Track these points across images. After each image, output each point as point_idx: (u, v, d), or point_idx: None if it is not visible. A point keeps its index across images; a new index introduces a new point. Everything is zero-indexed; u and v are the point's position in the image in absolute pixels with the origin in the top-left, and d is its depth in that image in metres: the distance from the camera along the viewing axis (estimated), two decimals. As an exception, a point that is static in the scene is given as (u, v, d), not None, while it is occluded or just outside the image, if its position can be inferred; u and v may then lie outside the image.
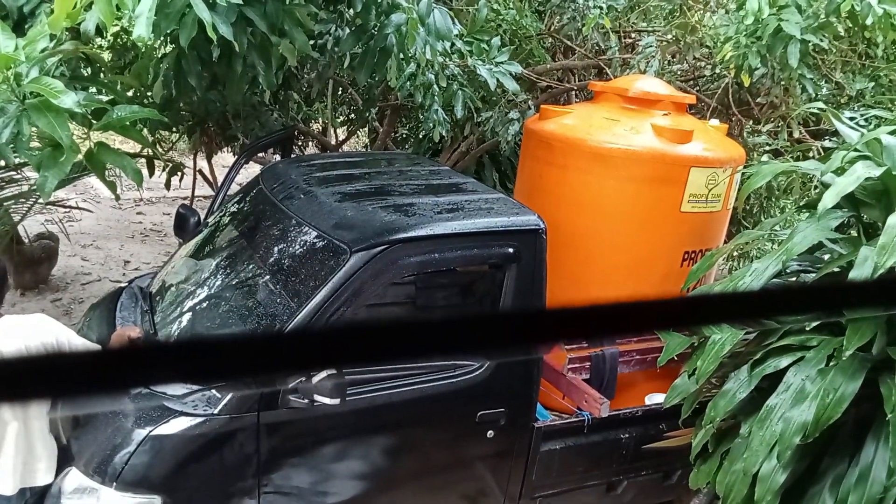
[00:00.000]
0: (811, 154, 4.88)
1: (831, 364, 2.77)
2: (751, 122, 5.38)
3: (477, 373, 3.22)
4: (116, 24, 2.77)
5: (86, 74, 3.95)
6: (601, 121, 4.11)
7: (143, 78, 3.76)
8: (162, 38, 2.90)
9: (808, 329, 2.82)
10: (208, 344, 0.34)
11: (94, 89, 2.85)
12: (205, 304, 3.53)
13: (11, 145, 2.50)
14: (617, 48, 5.48)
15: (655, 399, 3.91)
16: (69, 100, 2.00)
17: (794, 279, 3.24)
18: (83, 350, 0.32)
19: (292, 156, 5.07)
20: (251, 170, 6.79)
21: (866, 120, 3.80)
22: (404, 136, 7.12)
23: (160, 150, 5.96)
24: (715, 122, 4.56)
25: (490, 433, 3.32)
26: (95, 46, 4.08)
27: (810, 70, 4.20)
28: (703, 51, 5.23)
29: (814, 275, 3.09)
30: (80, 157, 2.27)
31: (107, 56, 4.70)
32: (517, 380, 3.37)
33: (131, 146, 5.83)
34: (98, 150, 2.34)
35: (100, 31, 2.45)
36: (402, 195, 3.52)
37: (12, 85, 2.05)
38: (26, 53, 2.04)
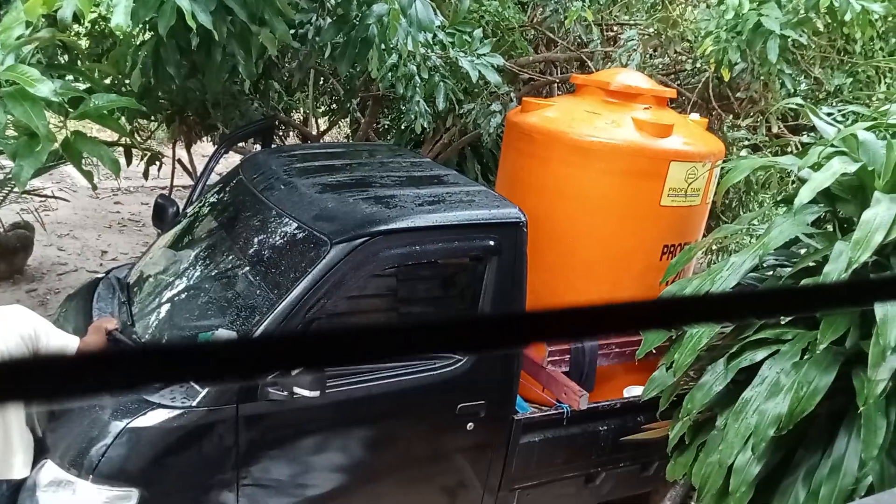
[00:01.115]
0: (790, 149, 4.92)
1: (805, 357, 2.81)
2: (730, 117, 5.43)
3: (457, 366, 3.23)
4: (94, 11, 2.73)
5: (62, 62, 3.89)
6: (583, 114, 4.12)
7: (120, 66, 3.70)
8: (140, 26, 2.86)
9: (783, 323, 2.86)
10: (184, 349, 0.34)
11: (70, 77, 2.80)
12: (183, 296, 3.50)
13: (-15, 133, 2.45)
14: (599, 41, 5.49)
15: (634, 391, 3.94)
16: (45, 88, 1.97)
17: (770, 273, 3.29)
18: (56, 355, 0.31)
19: (273, 146, 5.03)
20: (231, 160, 6.72)
21: (844, 116, 3.85)
22: (386, 126, 7.09)
23: (138, 139, 5.88)
24: (695, 116, 4.59)
25: (470, 425, 3.34)
26: (72, 34, 4.02)
27: (789, 65, 4.24)
28: (684, 45, 5.26)
29: (790, 269, 3.13)
30: (56, 146, 2.24)
31: (84, 43, 4.62)
32: (497, 372, 3.39)
33: (108, 135, 5.74)
34: (74, 140, 2.30)
35: (77, 18, 2.41)
36: (383, 187, 3.51)
37: (-14, 72, 2.01)
38: (1, 41, 2.00)
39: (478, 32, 4.28)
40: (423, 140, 5.95)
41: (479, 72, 4.11)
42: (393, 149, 4.98)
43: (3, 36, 2.03)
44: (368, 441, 3.24)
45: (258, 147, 5.54)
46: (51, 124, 2.34)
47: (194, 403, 2.85)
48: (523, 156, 4.28)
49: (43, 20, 2.46)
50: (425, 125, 4.41)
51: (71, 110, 2.30)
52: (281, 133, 7.06)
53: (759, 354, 2.94)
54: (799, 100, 3.52)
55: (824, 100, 5.05)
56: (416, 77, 4.03)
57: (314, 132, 7.43)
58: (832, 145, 2.96)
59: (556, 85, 6.15)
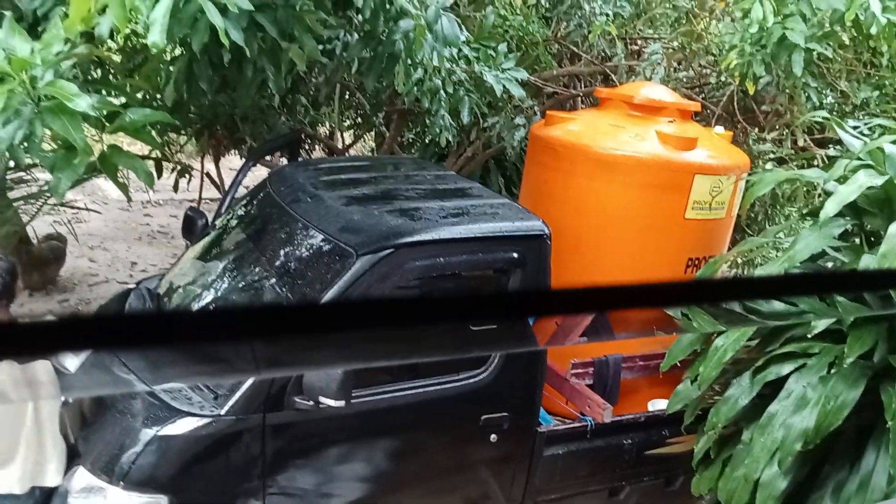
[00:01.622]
0: (816, 162, 4.89)
1: (832, 371, 2.79)
2: (756, 130, 5.41)
3: (481, 377, 3.25)
4: (126, 27, 2.81)
5: (96, 77, 3.99)
6: (606, 127, 4.14)
7: (152, 80, 3.80)
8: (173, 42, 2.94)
9: (809, 336, 2.84)
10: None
11: (104, 92, 2.89)
12: (212, 307, 3.56)
13: (24, 146, 2.53)
14: (623, 55, 5.51)
15: (658, 405, 3.92)
16: (84, 103, 2.04)
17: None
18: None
19: (299, 159, 5.11)
20: (258, 173, 6.82)
21: (870, 129, 3.82)
22: (410, 140, 7.16)
23: (168, 152, 6.00)
24: (720, 129, 4.59)
25: (493, 437, 3.34)
26: (105, 49, 4.13)
27: (814, 78, 4.22)
28: (708, 58, 5.26)
29: (816, 282, 3.11)
30: (93, 158, 2.31)
31: (116, 58, 4.74)
32: (521, 384, 3.39)
33: (138, 148, 5.88)
34: (111, 153, 2.37)
35: (111, 34, 2.49)
36: (407, 199, 3.55)
37: (28, 88, 2.09)
38: (42, 57, 2.08)
39: (502, 47, 4.32)
40: (447, 153, 6.00)
41: (504, 86, 4.15)
42: (418, 162, 5.03)
43: (43, 52, 2.11)
44: (393, 451, 3.26)
45: (285, 160, 5.62)
46: (87, 138, 2.42)
47: (223, 412, 2.90)
48: (547, 169, 4.30)
49: (80, 37, 2.55)
50: (450, 138, 4.45)
51: (107, 124, 2.38)
52: (307, 146, 7.16)
53: (786, 368, 2.92)
54: (824, 113, 3.51)
55: (851, 113, 5.02)
56: (442, 91, 4.08)
57: (339, 145, 7.52)
58: (858, 158, 2.94)
59: (579, 98, 6.17)
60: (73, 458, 2.98)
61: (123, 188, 2.65)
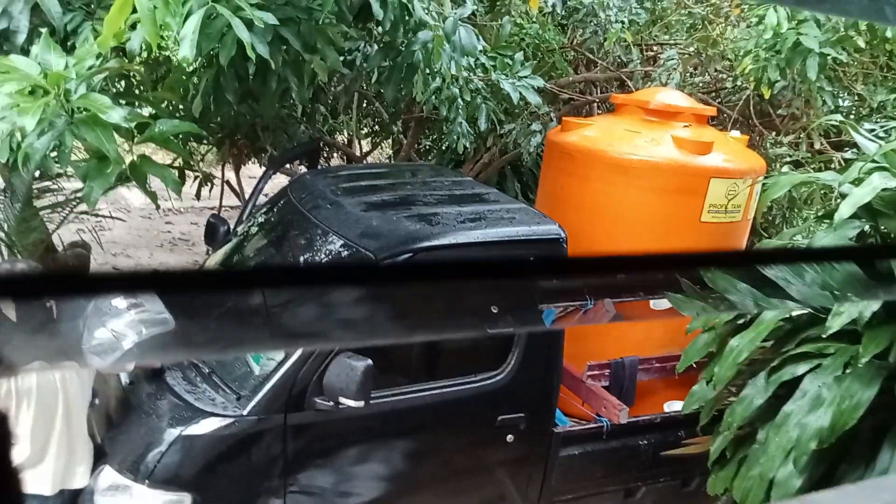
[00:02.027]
0: (833, 165, 4.89)
1: (847, 371, 2.80)
2: (773, 134, 5.42)
3: (498, 378, 3.30)
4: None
5: (121, 89, 4.12)
6: (622, 132, 4.18)
7: (176, 92, 3.91)
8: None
9: (825, 336, 2.86)
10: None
11: (134, 104, 2.99)
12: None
13: (54, 157, 2.64)
14: (639, 61, 5.56)
15: (674, 406, 3.95)
16: (116, 115, 2.13)
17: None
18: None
19: (318, 167, 5.20)
20: (277, 181, 6.94)
21: (886, 131, 3.83)
22: (428, 147, 7.24)
23: (191, 161, 6.12)
24: (735, 133, 4.61)
25: (510, 438, 3.39)
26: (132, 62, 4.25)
27: (830, 82, 4.24)
28: (724, 63, 5.29)
29: (831, 284, 3.13)
30: (123, 167, 2.41)
31: (141, 70, 4.87)
32: (537, 385, 3.44)
33: (160, 157, 6.01)
34: (141, 163, 2.47)
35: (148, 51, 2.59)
36: (425, 205, 3.61)
37: (62, 100, 2.19)
38: (76, 71, 2.17)
39: (519, 55, 4.39)
40: (463, 160, 6.07)
41: (520, 93, 4.22)
42: (435, 168, 5.11)
43: (77, 67, 2.21)
44: (410, 451, 3.32)
45: (304, 168, 5.72)
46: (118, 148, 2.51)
47: (245, 413, 2.98)
48: (563, 174, 4.35)
49: (111, 51, 2.65)
50: (467, 145, 4.52)
51: (137, 135, 2.47)
52: (326, 154, 7.26)
53: (801, 368, 2.94)
54: (839, 116, 3.53)
55: (868, 116, 5.02)
56: (459, 99, 4.16)
57: (358, 153, 7.62)
58: (873, 160, 2.96)
59: (595, 104, 6.22)
60: (99, 457, 3.07)
61: (153, 196, 2.75)
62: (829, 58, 3.80)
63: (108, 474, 2.98)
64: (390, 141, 7.71)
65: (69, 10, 3.08)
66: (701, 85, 5.69)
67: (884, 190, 2.82)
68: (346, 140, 8.24)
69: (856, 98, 5.27)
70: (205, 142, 5.74)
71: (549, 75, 5.52)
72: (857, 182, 2.89)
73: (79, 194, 4.62)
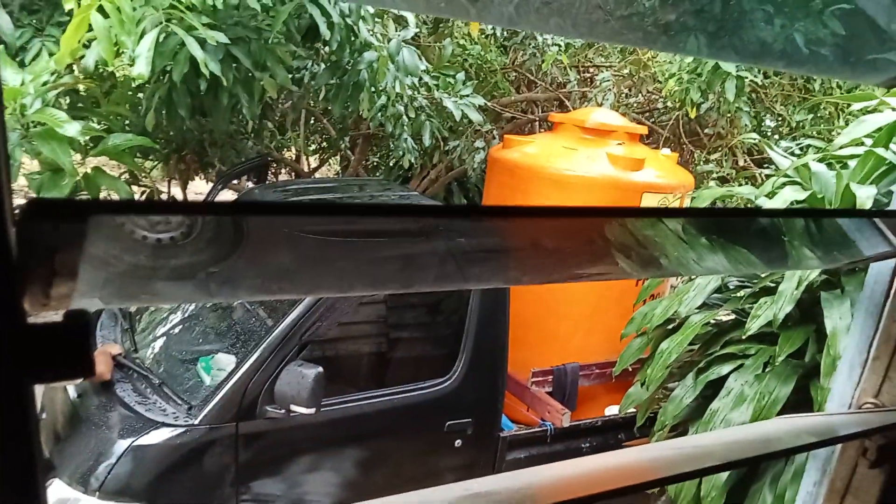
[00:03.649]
0: (758, 181, 5.22)
1: (767, 370, 3.03)
2: (703, 152, 5.73)
3: (445, 384, 3.43)
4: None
5: (68, 103, 4.13)
6: (560, 150, 4.40)
7: (123, 106, 3.95)
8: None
9: (744, 337, 3.08)
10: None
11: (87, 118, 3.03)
12: (185, 324, 3.69)
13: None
14: (576, 82, 5.81)
15: (614, 410, 4.14)
16: (72, 129, 2.20)
17: (734, 293, 3.52)
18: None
19: (267, 182, 5.26)
20: (225, 196, 6.93)
21: (802, 149, 4.14)
22: (375, 163, 7.36)
23: (138, 175, 6.09)
24: (666, 151, 4.88)
25: (458, 443, 3.51)
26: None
27: (747, 104, 4.55)
28: (655, 85, 5.58)
29: (750, 289, 3.37)
30: (78, 179, 2.46)
31: (91, 85, 4.87)
32: (483, 391, 3.58)
33: (108, 171, 5.94)
34: (94, 175, 2.53)
35: (97, 65, 2.65)
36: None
37: (17, 115, 2.24)
38: (34, 87, 2.23)
39: (460, 75, 4.57)
40: (411, 175, 6.21)
41: (462, 111, 4.39)
42: (382, 183, 5.23)
43: (34, 83, 2.27)
44: (361, 458, 3.40)
45: (251, 184, 5.77)
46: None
47: (196, 422, 3.02)
48: (505, 189, 4.54)
49: (64, 67, 2.70)
50: (412, 160, 4.67)
51: (91, 146, 2.53)
52: (274, 170, 7.31)
53: (725, 368, 3.16)
54: (755, 135, 3.81)
55: (788, 134, 5.37)
56: (404, 116, 4.31)
57: (306, 169, 7.68)
58: (786, 175, 3.22)
59: (537, 123, 6.46)
60: (48, 471, 3.06)
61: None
62: (746, 80, 4.09)
63: (58, 487, 2.97)
64: (338, 157, 7.80)
65: (19, 27, 3.12)
66: (635, 105, 5.99)
67: (794, 202, 3.08)
68: (294, 156, 8.30)
69: (778, 118, 5.63)
70: (151, 157, 5.74)
71: (492, 94, 5.73)
72: (770, 195, 3.14)
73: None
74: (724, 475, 3.03)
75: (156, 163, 6.13)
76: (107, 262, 0.44)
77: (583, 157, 4.30)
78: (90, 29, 2.25)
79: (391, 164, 6.26)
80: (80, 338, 0.39)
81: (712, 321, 3.36)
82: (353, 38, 3.47)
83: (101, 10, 2.20)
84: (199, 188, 7.38)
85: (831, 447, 1.07)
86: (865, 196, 2.80)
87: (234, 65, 2.84)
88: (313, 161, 8.36)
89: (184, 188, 6.44)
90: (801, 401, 3.01)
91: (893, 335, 1.00)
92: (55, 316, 0.41)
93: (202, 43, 2.44)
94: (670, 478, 0.88)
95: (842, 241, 0.82)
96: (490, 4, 1.03)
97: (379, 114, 4.29)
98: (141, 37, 2.28)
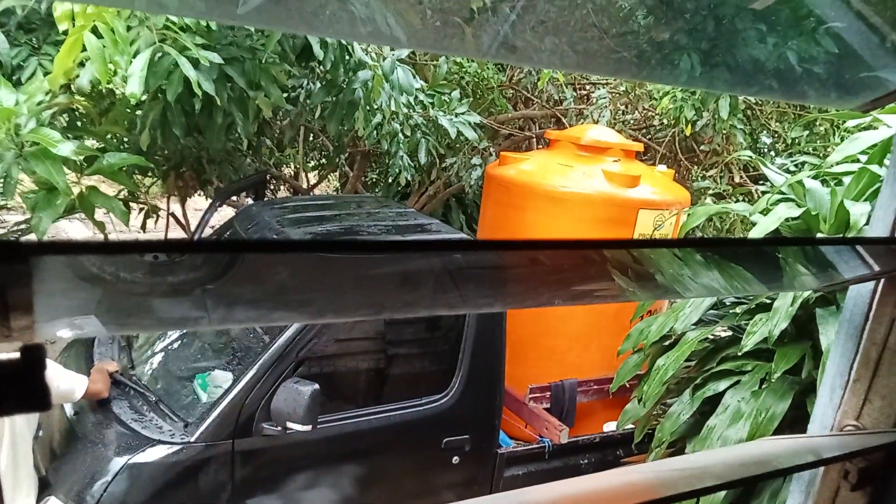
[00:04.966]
0: (754, 197, 5.23)
1: (763, 387, 3.02)
2: (700, 169, 5.76)
3: (443, 401, 3.42)
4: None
5: (66, 122, 4.15)
6: (556, 166, 4.42)
7: (120, 124, 3.97)
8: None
9: (740, 354, 3.08)
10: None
11: (82, 137, 3.05)
12: (181, 340, 3.69)
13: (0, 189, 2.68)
14: (572, 99, 5.85)
15: (612, 427, 4.12)
16: (66, 148, 2.21)
17: (730, 309, 3.52)
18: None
19: (265, 199, 5.28)
20: (223, 213, 6.96)
21: (796, 165, 4.15)
22: (374, 180, 7.39)
23: (137, 193, 6.11)
24: (662, 167, 4.90)
25: (455, 459, 3.50)
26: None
27: (742, 121, 4.57)
28: (651, 102, 5.62)
29: (746, 306, 3.37)
30: (72, 198, 2.47)
31: (87, 105, 4.90)
32: (481, 407, 3.57)
33: (105, 189, 5.97)
34: (89, 194, 2.54)
35: (92, 85, 2.68)
36: (370, 235, 3.74)
37: (11, 135, 2.26)
38: (28, 107, 2.25)
39: (455, 93, 4.61)
40: (409, 192, 6.23)
41: (458, 129, 4.42)
42: (380, 200, 5.24)
43: (28, 103, 2.29)
44: (358, 475, 3.39)
45: (250, 201, 5.79)
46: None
47: (192, 439, 3.02)
48: (502, 206, 4.55)
49: (59, 87, 2.72)
50: (409, 177, 4.69)
51: (86, 165, 2.54)
52: (272, 187, 7.34)
53: (722, 384, 3.15)
54: (748, 152, 3.83)
55: (784, 151, 5.40)
56: (400, 134, 4.33)
57: (304, 186, 7.71)
58: (780, 192, 3.24)
59: (534, 140, 6.49)
60: (44, 489, 3.05)
61: (101, 226, 2.80)
62: (740, 98, 4.12)
63: (54, 504, 2.97)
64: (337, 174, 7.83)
65: (15, 45, 3.14)
66: (632, 122, 6.02)
67: (791, 219, 3.09)
68: (292, 173, 8.33)
69: (774, 135, 5.66)
70: (149, 174, 5.76)
71: (489, 112, 5.76)
72: (764, 212, 3.15)
73: (22, 226, 4.59)
74: (721, 493, 3.01)
75: (155, 180, 6.15)
76: (64, 296, 0.45)
77: (579, 174, 4.32)
78: (84, 49, 2.27)
79: (389, 181, 6.28)
80: (34, 372, 0.40)
81: (709, 337, 3.36)
82: (347, 58, 3.51)
83: (94, 30, 2.22)
84: (198, 204, 7.40)
85: (814, 470, 1.07)
86: (859, 213, 2.81)
87: (229, 84, 2.87)
88: (312, 177, 8.39)
89: (183, 205, 6.46)
90: (798, 417, 3.00)
91: (873, 358, 1.00)
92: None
93: (196, 63, 2.47)
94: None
95: (823, 263, 0.83)
96: (485, 24, 1.04)
97: (375, 132, 4.32)
98: (134, 56, 2.31)
